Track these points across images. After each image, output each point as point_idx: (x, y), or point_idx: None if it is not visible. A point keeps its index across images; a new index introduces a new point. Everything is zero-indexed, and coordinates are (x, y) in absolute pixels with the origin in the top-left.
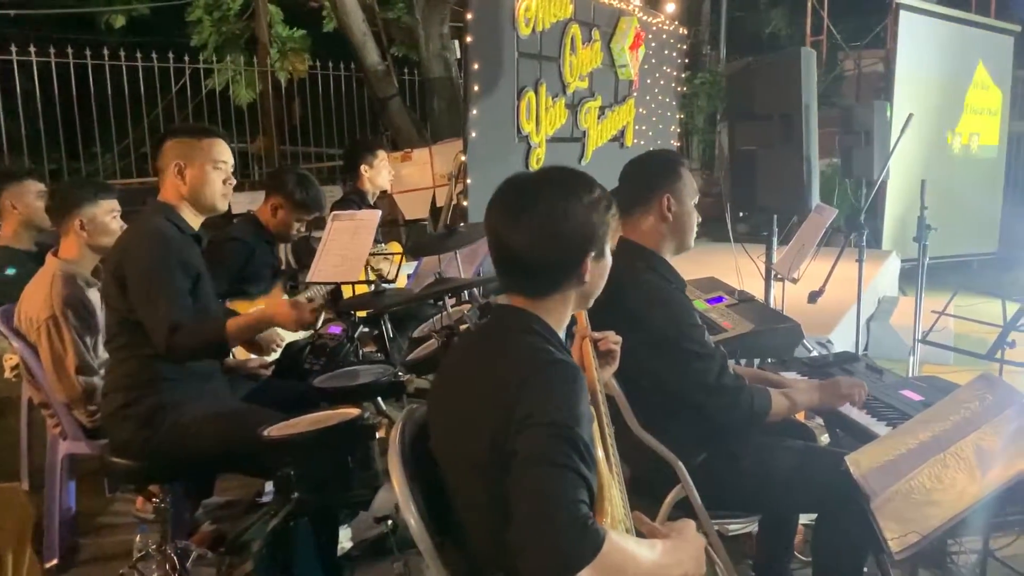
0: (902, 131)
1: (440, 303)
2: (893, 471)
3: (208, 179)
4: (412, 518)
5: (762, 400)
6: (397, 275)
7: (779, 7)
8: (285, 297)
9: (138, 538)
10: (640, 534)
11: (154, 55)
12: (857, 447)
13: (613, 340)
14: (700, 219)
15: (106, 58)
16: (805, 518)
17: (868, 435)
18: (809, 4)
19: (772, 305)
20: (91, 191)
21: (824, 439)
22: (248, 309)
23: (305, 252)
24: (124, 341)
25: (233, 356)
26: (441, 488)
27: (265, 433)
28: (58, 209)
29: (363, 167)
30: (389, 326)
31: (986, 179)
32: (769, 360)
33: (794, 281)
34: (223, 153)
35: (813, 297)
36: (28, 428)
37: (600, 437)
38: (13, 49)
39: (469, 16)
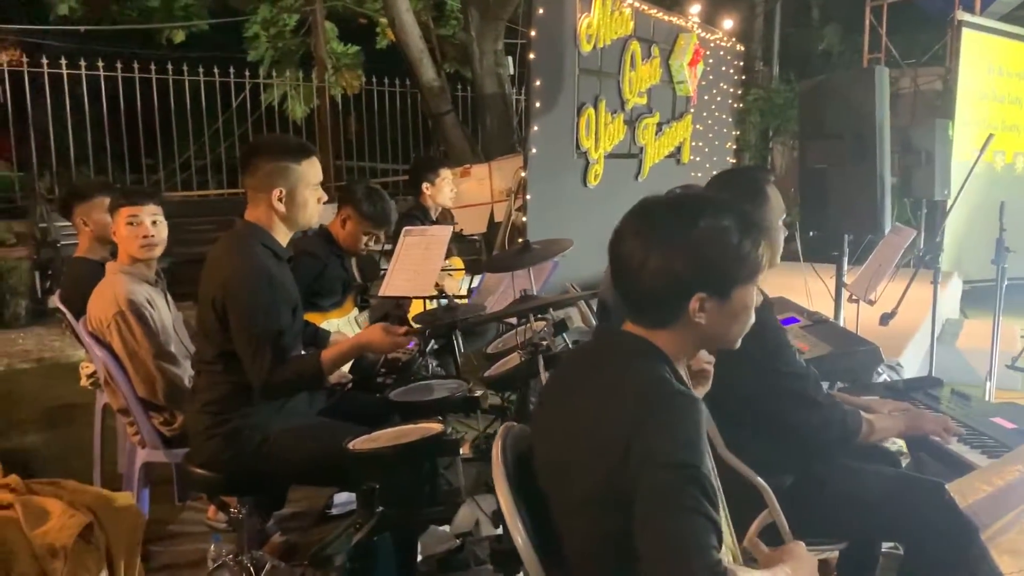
0: (981, 151)
1: (522, 320)
2: (1003, 502)
3: (308, 203)
4: (520, 537)
5: (855, 419)
6: (469, 291)
7: (833, 24)
8: (355, 311)
9: (212, 547)
10: (752, 560)
11: (216, 70)
12: (945, 474)
13: (706, 359)
14: (787, 233)
15: (170, 73)
16: (886, 546)
17: (962, 464)
18: (867, 21)
19: (843, 327)
20: (93, 189)
21: (905, 462)
22: (320, 322)
23: (369, 267)
24: (220, 368)
25: None
26: (545, 507)
27: (350, 446)
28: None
29: (424, 184)
30: (460, 341)
31: None
32: (839, 385)
33: (871, 303)
34: (318, 172)
35: (885, 319)
36: (100, 434)
37: None
38: (82, 64)
39: (532, 33)
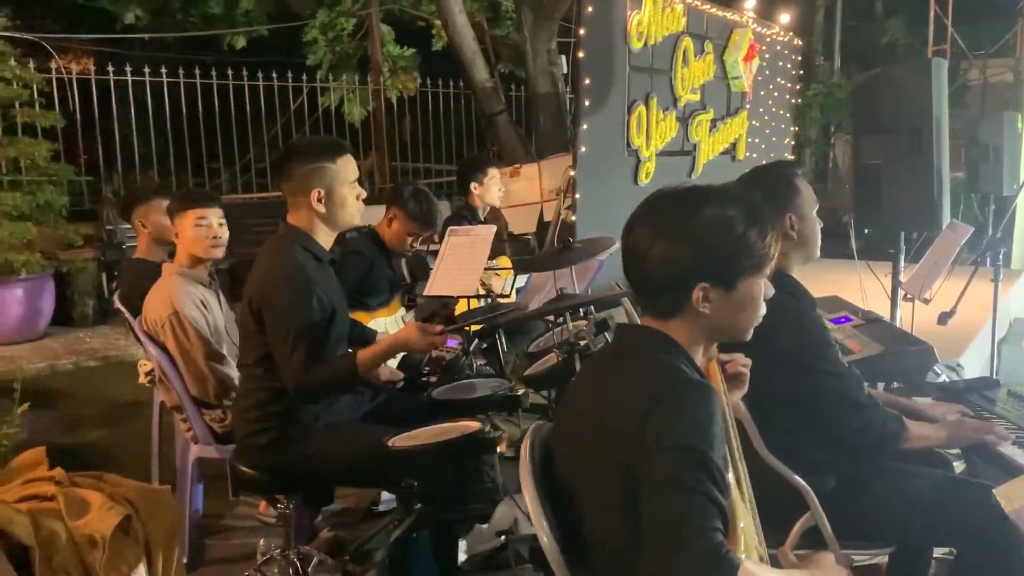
0: None
1: (560, 319)
2: None
3: (347, 201)
4: (544, 535)
5: (895, 424)
6: (512, 290)
7: (897, 16)
8: (402, 310)
9: (262, 542)
10: (779, 567)
11: (274, 75)
12: (1000, 478)
13: (742, 363)
14: (822, 224)
15: (230, 77)
16: (939, 551)
17: (1016, 467)
18: (931, 12)
19: (899, 326)
20: (151, 191)
21: (959, 466)
22: (367, 321)
23: (419, 267)
24: (260, 372)
25: None
26: (572, 505)
27: (389, 443)
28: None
29: (473, 184)
30: (503, 340)
31: None
32: (895, 384)
33: (926, 301)
34: (354, 170)
35: (944, 318)
36: (159, 431)
37: (732, 462)
38: (147, 71)
39: (581, 32)
